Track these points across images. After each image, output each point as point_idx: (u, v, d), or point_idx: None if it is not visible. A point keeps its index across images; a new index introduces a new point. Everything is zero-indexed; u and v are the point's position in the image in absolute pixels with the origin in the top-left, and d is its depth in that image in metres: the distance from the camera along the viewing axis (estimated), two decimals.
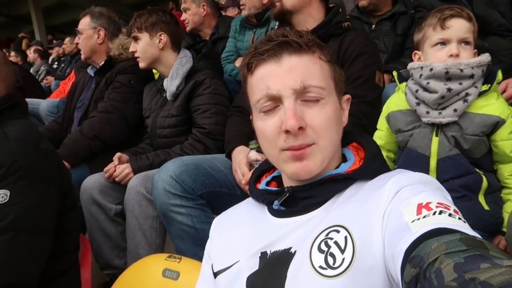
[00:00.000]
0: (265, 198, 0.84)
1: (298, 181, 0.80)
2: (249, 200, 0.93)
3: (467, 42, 1.26)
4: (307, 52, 0.76)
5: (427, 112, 1.27)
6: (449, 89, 1.22)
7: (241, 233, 0.84)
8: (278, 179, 0.90)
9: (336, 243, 0.66)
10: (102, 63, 2.28)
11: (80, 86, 2.41)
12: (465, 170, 1.23)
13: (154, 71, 2.30)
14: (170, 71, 1.95)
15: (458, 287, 0.43)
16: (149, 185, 1.64)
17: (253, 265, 0.75)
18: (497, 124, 1.21)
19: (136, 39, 1.98)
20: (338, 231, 0.68)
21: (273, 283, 0.70)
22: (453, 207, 0.60)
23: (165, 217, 1.47)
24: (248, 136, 1.69)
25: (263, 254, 0.75)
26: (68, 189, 1.31)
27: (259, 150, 1.53)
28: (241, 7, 2.66)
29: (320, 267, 0.65)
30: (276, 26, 2.01)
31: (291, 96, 0.73)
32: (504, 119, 1.21)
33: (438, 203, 0.59)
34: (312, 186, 0.77)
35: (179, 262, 1.20)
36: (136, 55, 2.00)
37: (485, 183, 1.23)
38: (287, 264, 0.70)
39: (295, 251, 0.71)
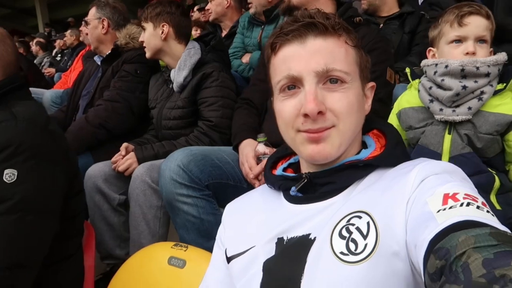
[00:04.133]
0: (281, 184, 0.82)
1: (316, 166, 0.78)
2: (263, 187, 0.91)
3: (484, 41, 1.25)
4: (333, 35, 0.74)
5: (441, 110, 1.26)
6: (464, 87, 1.21)
7: (256, 218, 0.83)
8: (294, 166, 0.89)
9: (358, 229, 0.65)
10: (109, 52, 2.27)
11: (87, 75, 2.40)
12: (478, 168, 1.22)
13: (160, 62, 2.29)
14: (178, 62, 1.93)
15: (487, 283, 0.42)
16: (154, 174, 1.62)
17: (270, 251, 0.74)
18: None
19: (143, 29, 1.99)
20: (360, 217, 0.66)
21: (292, 269, 0.68)
22: (481, 199, 0.58)
23: (171, 207, 1.46)
24: (256, 129, 1.68)
25: (280, 240, 0.74)
26: (75, 173, 1.30)
27: (267, 143, 1.52)
28: (249, 5, 2.66)
29: (342, 253, 0.64)
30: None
31: (312, 79, 0.71)
32: None
33: (465, 194, 0.57)
34: (332, 172, 0.76)
35: (185, 251, 1.18)
36: (144, 45, 2.00)
37: (497, 183, 1.22)
38: (307, 250, 0.68)
39: (314, 237, 0.69)
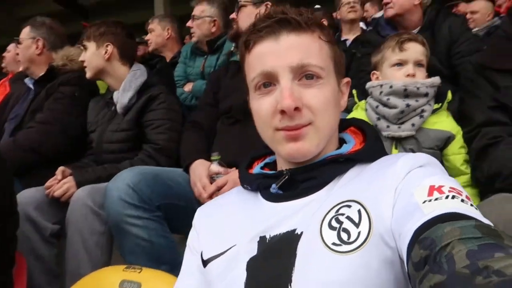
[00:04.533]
0: (260, 183, 0.79)
1: (295, 164, 0.77)
2: (238, 190, 0.88)
3: (421, 65, 1.39)
4: (307, 30, 0.73)
5: (388, 126, 1.35)
6: (407, 105, 1.32)
7: (234, 218, 0.79)
8: (270, 166, 0.87)
9: (348, 218, 0.64)
10: (43, 73, 2.13)
11: (15, 98, 2.21)
12: None
13: (101, 85, 2.19)
14: (122, 83, 1.86)
15: (470, 274, 0.42)
16: (97, 197, 1.50)
17: (252, 250, 0.70)
18: (449, 139, 1.33)
19: (84, 48, 1.91)
20: (349, 206, 0.65)
21: (280, 264, 0.65)
22: (464, 193, 0.59)
23: (118, 230, 1.34)
24: (206, 151, 1.65)
25: (262, 239, 0.71)
26: (10, 192, 1.15)
27: (221, 162, 1.50)
28: (192, 34, 2.69)
29: (333, 243, 0.62)
30: (234, 48, 2.06)
31: (288, 75, 0.71)
32: (454, 134, 1.33)
33: (450, 187, 0.58)
34: (313, 167, 0.75)
35: (139, 273, 1.08)
36: (84, 64, 1.92)
37: None
38: (294, 244, 0.66)
39: (301, 232, 0.67)
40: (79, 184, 1.60)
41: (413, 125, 1.32)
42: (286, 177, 0.76)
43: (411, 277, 0.52)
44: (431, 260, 0.48)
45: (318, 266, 0.62)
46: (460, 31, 2.04)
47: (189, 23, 2.61)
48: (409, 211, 0.57)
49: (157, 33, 3.04)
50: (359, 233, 0.62)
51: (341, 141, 0.83)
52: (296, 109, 0.69)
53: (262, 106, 0.74)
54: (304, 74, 0.72)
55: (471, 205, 0.56)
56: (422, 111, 1.33)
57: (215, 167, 1.49)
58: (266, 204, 0.77)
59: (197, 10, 2.57)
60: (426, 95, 1.34)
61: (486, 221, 0.52)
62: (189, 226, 1.52)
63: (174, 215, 1.46)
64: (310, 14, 0.75)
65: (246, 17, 1.77)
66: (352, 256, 0.60)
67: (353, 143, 0.79)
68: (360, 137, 0.82)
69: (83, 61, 1.92)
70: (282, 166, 0.81)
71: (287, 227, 0.69)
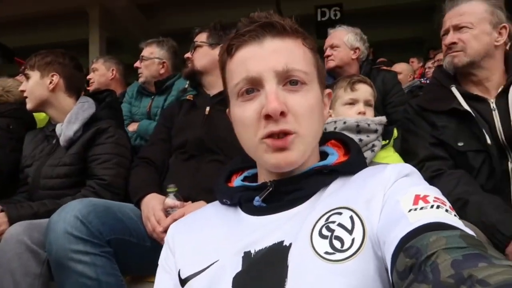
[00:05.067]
0: (242, 195, 0.76)
1: (277, 175, 0.75)
2: (213, 204, 0.84)
3: (370, 104, 1.51)
4: (291, 36, 0.72)
5: None
6: (360, 140, 1.41)
7: (215, 233, 0.75)
8: (250, 180, 0.84)
9: (340, 225, 0.62)
10: None
11: None
12: None
13: (38, 119, 2.06)
14: (68, 115, 1.76)
15: (455, 283, 0.43)
16: (35, 234, 1.34)
17: (236, 265, 0.66)
18: None
19: (27, 77, 1.80)
20: (340, 213, 0.64)
21: (272, 277, 0.62)
22: (448, 203, 0.60)
23: (61, 268, 1.20)
24: (158, 186, 1.59)
25: (247, 254, 0.67)
26: None
27: (177, 195, 1.44)
28: (139, 74, 2.68)
29: (326, 252, 0.60)
30: (187, 85, 2.07)
31: (273, 79, 0.68)
32: None
33: (435, 197, 0.59)
34: (299, 178, 0.73)
35: None
36: (24, 94, 1.79)
37: None
38: (284, 256, 0.63)
39: (290, 243, 0.64)
40: (12, 221, 1.43)
41: (365, 158, 1.41)
42: (270, 189, 0.73)
43: (395, 286, 0.52)
44: (416, 269, 0.48)
45: (312, 276, 0.59)
46: (392, 83, 2.29)
47: (136, 64, 2.60)
48: (395, 219, 0.58)
49: (101, 72, 2.99)
50: (353, 239, 0.60)
51: (322, 154, 0.82)
52: (282, 113, 0.67)
53: (245, 112, 0.70)
54: (288, 80, 0.70)
55: (455, 215, 0.57)
56: (373, 145, 1.43)
57: (170, 200, 1.42)
58: (248, 218, 0.74)
59: (146, 51, 2.58)
60: (375, 131, 1.45)
61: (469, 231, 0.53)
62: (140, 266, 1.42)
63: (125, 253, 1.34)
64: (293, 21, 0.74)
65: (201, 56, 1.82)
66: (348, 264, 0.58)
67: (336, 155, 0.79)
68: (341, 150, 0.82)
69: (23, 91, 1.79)
70: (264, 178, 0.78)
71: (273, 239, 0.66)
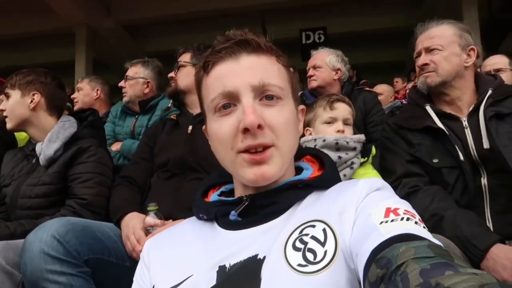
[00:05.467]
0: (218, 210, 0.77)
1: (253, 190, 0.76)
2: (190, 220, 0.85)
3: (348, 123, 1.55)
4: (265, 53, 0.74)
5: None
6: (339, 157, 1.44)
7: (190, 248, 0.75)
8: (226, 195, 0.85)
9: (313, 237, 0.64)
10: None
11: None
12: None
13: (20, 138, 2.04)
14: (49, 134, 1.76)
15: None
16: (10, 254, 1.31)
17: (211, 279, 0.67)
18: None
19: (7, 96, 1.79)
20: (313, 226, 0.65)
21: None
22: (417, 216, 0.62)
23: None
24: (139, 205, 1.58)
25: (222, 268, 0.67)
26: None
27: (158, 213, 1.43)
28: (123, 93, 2.68)
29: (299, 265, 0.61)
30: (171, 104, 2.09)
31: (249, 94, 0.70)
32: None
33: (405, 210, 0.61)
34: (275, 192, 0.74)
35: None
36: (4, 114, 1.78)
37: None
38: (258, 269, 0.63)
39: (263, 257, 0.65)
40: None
41: (344, 175, 1.43)
42: (246, 203, 0.74)
43: None
44: (386, 279, 0.50)
45: None
46: (373, 103, 2.35)
47: (121, 83, 2.61)
48: (367, 232, 0.59)
49: (86, 92, 2.99)
50: (325, 252, 0.61)
51: (297, 169, 0.83)
52: (259, 127, 0.68)
53: (222, 127, 0.71)
54: (264, 95, 0.71)
55: (424, 227, 0.59)
56: (352, 163, 1.46)
57: (151, 219, 1.42)
58: (224, 233, 0.74)
59: (131, 71, 2.60)
60: (354, 149, 1.48)
61: (437, 242, 0.55)
62: (119, 286, 1.40)
63: (103, 273, 1.32)
64: (267, 39, 0.77)
65: (185, 76, 1.84)
66: (320, 276, 0.59)
67: (311, 170, 0.80)
68: (316, 165, 0.84)
69: (2, 110, 1.78)
70: (240, 192, 0.79)
71: (248, 253, 0.67)
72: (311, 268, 0.60)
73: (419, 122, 1.49)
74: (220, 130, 0.72)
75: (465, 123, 1.44)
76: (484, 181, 1.36)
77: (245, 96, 0.70)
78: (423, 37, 1.55)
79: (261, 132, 0.69)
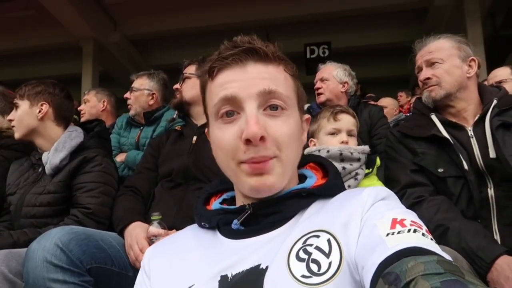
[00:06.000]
0: (220, 219, 0.76)
1: (256, 198, 0.74)
2: (191, 228, 0.84)
3: (352, 134, 1.55)
4: (273, 62, 0.73)
5: None
6: (343, 168, 1.44)
7: (191, 257, 0.74)
8: (228, 202, 0.84)
9: (318, 248, 0.62)
10: None
11: None
12: None
13: None
14: (55, 143, 1.78)
15: None
16: (13, 263, 1.31)
17: None
18: None
19: (16, 106, 1.83)
20: (317, 236, 0.64)
21: None
22: (424, 227, 0.60)
23: None
24: (143, 214, 1.58)
25: (223, 278, 0.66)
26: None
27: (161, 223, 1.43)
28: (128, 106, 2.71)
29: (303, 276, 0.60)
30: (176, 115, 2.10)
31: (253, 103, 0.68)
32: None
33: (411, 221, 0.60)
34: (278, 201, 0.72)
35: None
36: (12, 124, 1.81)
37: None
38: (260, 280, 0.62)
39: (266, 267, 0.64)
40: None
41: (349, 186, 1.43)
42: (249, 212, 0.73)
43: None
44: None
45: None
46: (378, 116, 2.36)
47: (126, 95, 2.63)
48: (373, 244, 0.58)
49: (92, 104, 3.03)
50: (330, 263, 0.60)
51: (301, 177, 0.82)
52: (262, 138, 0.66)
53: (225, 136, 0.70)
54: (268, 104, 0.70)
55: (431, 239, 0.58)
56: (356, 174, 1.45)
57: (154, 228, 1.41)
58: (226, 242, 0.73)
59: (137, 83, 2.63)
60: (358, 160, 1.48)
61: (446, 255, 0.53)
62: None
63: (106, 282, 1.31)
64: (275, 47, 0.75)
65: (190, 88, 1.86)
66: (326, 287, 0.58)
67: (315, 178, 0.79)
68: (320, 172, 0.82)
69: (11, 120, 1.81)
70: (242, 201, 0.77)
71: (251, 263, 0.66)
72: (315, 279, 0.59)
73: (424, 130, 1.49)
74: (223, 139, 0.70)
75: (470, 132, 1.44)
76: (491, 192, 1.35)
77: (249, 105, 0.68)
78: (422, 52, 1.57)
79: (263, 144, 0.67)
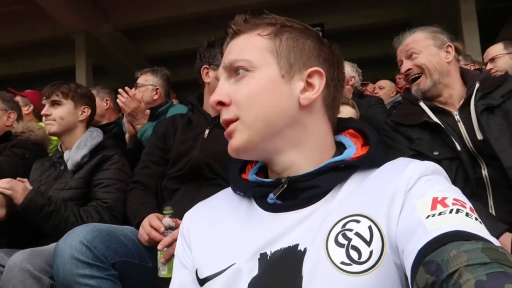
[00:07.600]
0: (256, 191, 0.74)
1: (289, 171, 0.73)
2: (226, 193, 0.82)
3: None
4: (245, 32, 0.75)
5: None
6: None
7: (229, 231, 0.73)
8: (264, 169, 0.81)
9: (358, 234, 0.60)
10: None
11: None
12: None
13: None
14: (77, 141, 1.90)
15: None
16: (37, 261, 1.40)
17: (253, 268, 0.66)
18: None
19: (56, 103, 1.91)
20: (358, 221, 0.61)
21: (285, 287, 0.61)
22: (468, 204, 0.57)
23: None
24: (156, 208, 1.63)
25: (263, 256, 0.66)
26: None
27: (173, 217, 1.47)
28: None
29: (343, 263, 0.58)
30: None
31: (223, 76, 0.75)
32: None
33: (454, 199, 0.56)
34: (314, 175, 0.70)
35: None
36: (50, 118, 1.90)
37: None
38: (299, 263, 0.62)
39: (304, 248, 0.63)
40: (25, 200, 1.55)
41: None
42: (285, 186, 0.71)
43: None
44: None
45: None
46: (376, 99, 2.49)
47: (132, 91, 2.67)
48: (412, 227, 0.56)
49: (97, 104, 3.04)
50: (371, 252, 0.58)
51: (338, 144, 0.78)
52: (222, 103, 0.72)
53: None
54: (236, 72, 0.73)
55: (476, 218, 0.54)
56: None
57: (167, 221, 1.46)
58: (264, 215, 0.72)
59: (141, 79, 2.70)
60: None
61: (492, 238, 0.51)
62: (142, 285, 1.47)
63: (129, 274, 1.40)
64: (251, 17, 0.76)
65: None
66: (365, 278, 0.57)
67: (354, 148, 0.74)
68: (360, 140, 0.77)
69: (47, 115, 1.90)
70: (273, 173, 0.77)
71: (289, 241, 0.65)
72: (356, 268, 0.58)
73: (415, 117, 1.57)
74: None
75: (457, 117, 1.53)
76: (485, 172, 1.43)
77: (221, 77, 0.75)
78: (401, 47, 1.68)
79: (225, 109, 0.72)
